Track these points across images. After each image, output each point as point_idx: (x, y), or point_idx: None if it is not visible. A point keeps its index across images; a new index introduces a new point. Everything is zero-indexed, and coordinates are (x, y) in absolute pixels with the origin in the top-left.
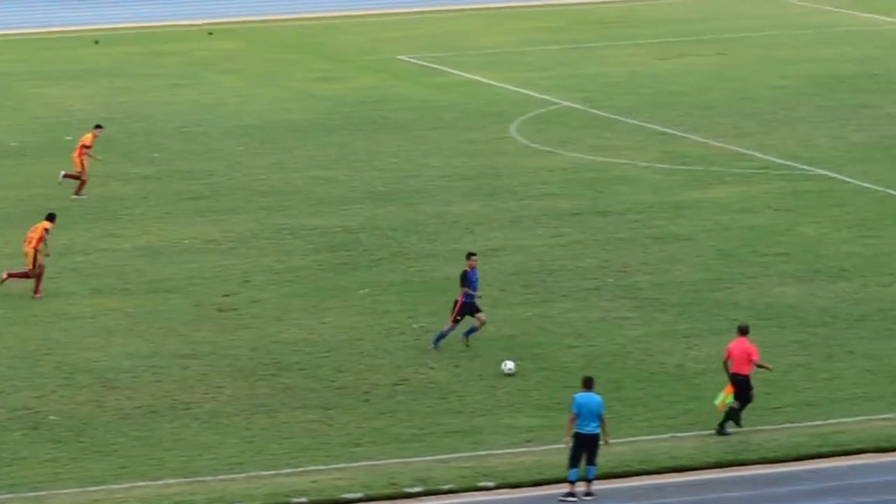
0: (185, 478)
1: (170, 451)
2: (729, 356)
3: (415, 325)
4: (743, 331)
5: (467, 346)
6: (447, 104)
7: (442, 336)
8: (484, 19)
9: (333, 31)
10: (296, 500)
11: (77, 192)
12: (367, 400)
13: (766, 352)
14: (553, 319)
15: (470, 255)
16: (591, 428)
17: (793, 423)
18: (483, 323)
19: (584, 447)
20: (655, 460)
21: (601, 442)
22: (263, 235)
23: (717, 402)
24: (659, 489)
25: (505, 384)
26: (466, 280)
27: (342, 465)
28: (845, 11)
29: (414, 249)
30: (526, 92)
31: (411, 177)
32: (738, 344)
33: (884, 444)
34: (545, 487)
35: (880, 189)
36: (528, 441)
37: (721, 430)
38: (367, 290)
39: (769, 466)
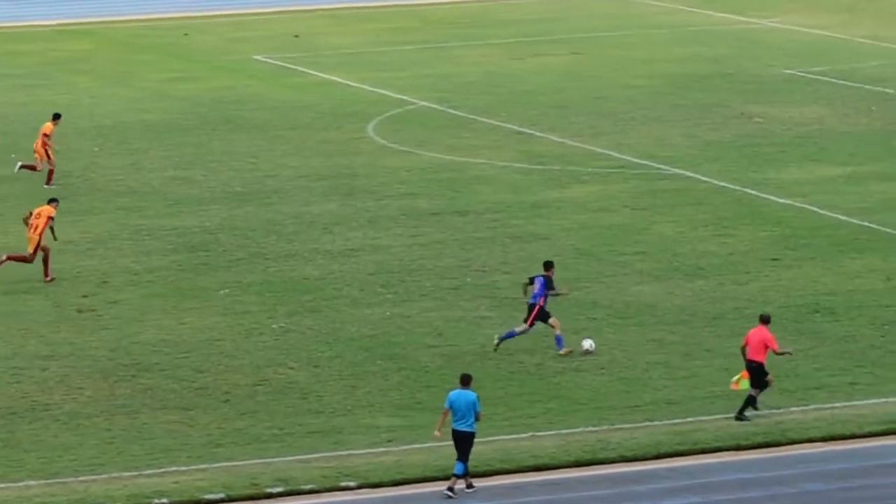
0: (46, 479)
1: (29, 453)
2: (746, 343)
3: (274, 326)
4: (764, 320)
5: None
6: (304, 104)
7: (510, 335)
8: (338, 19)
9: (187, 32)
10: (157, 500)
11: (48, 182)
12: (227, 400)
13: (625, 350)
14: (412, 319)
15: (549, 264)
16: (462, 425)
17: (652, 421)
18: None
19: (458, 444)
20: (516, 459)
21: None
22: (121, 236)
23: (733, 380)
24: (519, 488)
25: (365, 384)
26: (550, 285)
27: (203, 466)
28: (699, 11)
29: (273, 249)
30: (382, 92)
31: (269, 177)
32: (756, 332)
33: (742, 442)
34: (406, 487)
35: (736, 188)
36: (389, 441)
37: (740, 416)
38: (226, 290)
39: (629, 465)
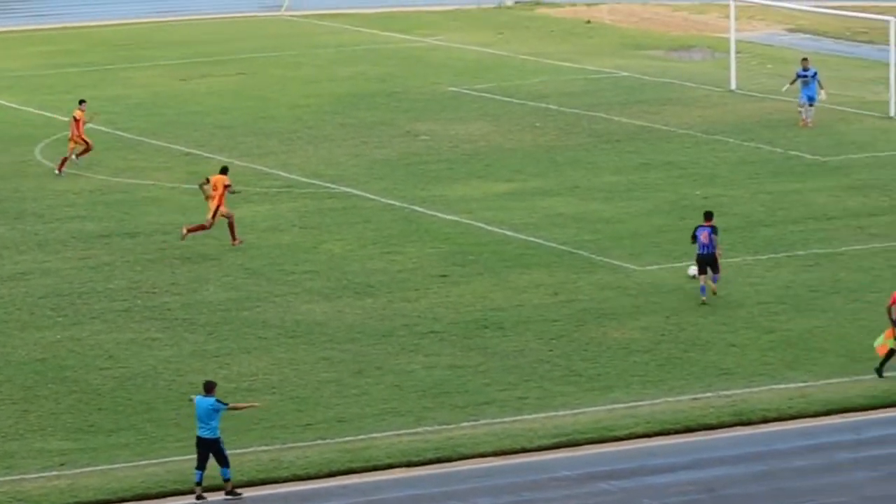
0: None
1: None
2: (893, 303)
3: None
4: None
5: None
6: None
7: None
8: (3, 42)
9: None
10: None
11: (79, 155)
12: None
13: (297, 369)
14: (83, 342)
15: (710, 214)
16: (203, 432)
17: (324, 439)
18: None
19: (202, 449)
20: (190, 481)
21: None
22: None
23: (877, 343)
24: None
25: (36, 408)
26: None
27: None
28: (364, 30)
29: None
30: (49, 115)
31: None
32: None
33: (413, 459)
34: None
35: (404, 205)
36: (62, 464)
37: (880, 373)
38: None
39: (302, 483)
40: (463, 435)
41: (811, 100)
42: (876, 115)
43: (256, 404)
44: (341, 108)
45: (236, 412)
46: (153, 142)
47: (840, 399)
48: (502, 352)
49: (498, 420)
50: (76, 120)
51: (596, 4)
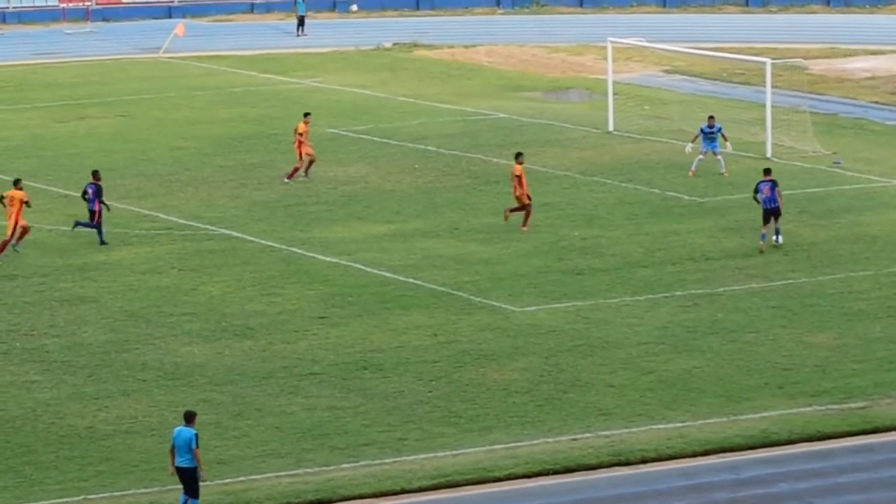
0: None
1: None
2: None
3: None
4: None
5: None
6: None
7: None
8: None
9: None
10: None
11: (289, 176)
12: None
13: (176, 411)
14: None
15: (768, 171)
16: (182, 461)
17: (204, 481)
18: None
19: (181, 480)
20: None
21: (200, 474)
22: None
23: None
24: None
25: None
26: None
27: None
28: (242, 72)
29: None
30: None
31: None
32: None
33: (293, 500)
34: None
35: (283, 247)
36: None
37: None
38: None
39: None
40: (343, 476)
41: (715, 150)
42: (753, 155)
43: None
44: (220, 150)
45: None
46: (32, 184)
47: (718, 439)
48: (382, 393)
49: (378, 461)
50: (300, 134)
51: (474, 46)
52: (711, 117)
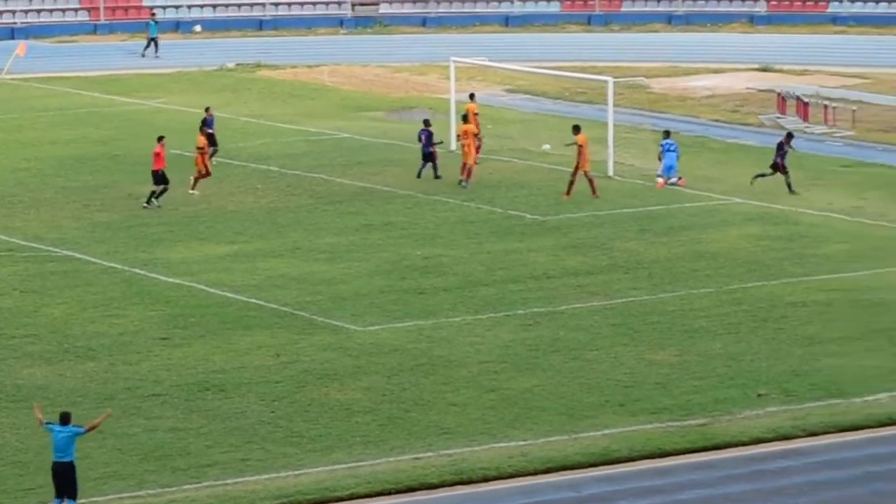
0: None
1: None
2: None
3: None
4: None
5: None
6: None
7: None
8: None
9: None
10: None
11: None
12: None
13: (18, 433)
14: None
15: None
16: (61, 457)
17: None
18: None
19: (59, 480)
20: None
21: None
22: None
23: None
24: None
25: None
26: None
27: None
28: (85, 93)
29: None
30: None
31: None
32: None
33: None
34: None
35: (125, 268)
36: None
37: None
38: None
39: None
40: (185, 497)
41: (668, 170)
42: (595, 174)
43: (109, 412)
44: (63, 172)
45: (95, 430)
46: None
47: (560, 457)
48: (224, 414)
49: (220, 482)
50: (200, 148)
51: (317, 66)
52: (667, 132)
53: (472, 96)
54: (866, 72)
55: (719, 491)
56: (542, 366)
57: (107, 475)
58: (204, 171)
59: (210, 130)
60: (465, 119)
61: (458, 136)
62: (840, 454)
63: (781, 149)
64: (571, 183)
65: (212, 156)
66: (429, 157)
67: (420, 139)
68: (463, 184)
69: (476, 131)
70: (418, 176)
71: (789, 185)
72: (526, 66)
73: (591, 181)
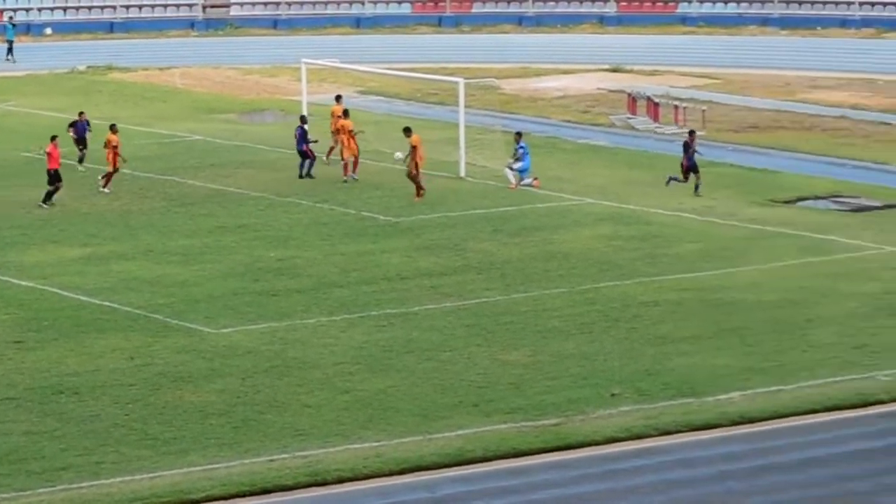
0: None
1: None
2: None
3: None
4: None
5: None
6: None
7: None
8: None
9: None
10: None
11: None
12: None
13: None
14: None
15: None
16: None
17: None
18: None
19: None
20: None
21: None
22: None
23: None
24: None
25: None
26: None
27: None
28: None
29: None
30: None
31: None
32: None
33: None
34: None
35: None
36: None
37: None
38: None
39: None
40: (40, 501)
41: (523, 171)
42: (447, 175)
43: None
44: None
45: None
46: None
47: (414, 457)
48: (78, 417)
49: (75, 485)
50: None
51: (168, 69)
52: (518, 134)
53: (338, 98)
54: (716, 72)
55: (573, 490)
56: (396, 367)
57: None
58: (113, 169)
59: (74, 136)
60: (346, 114)
61: (334, 131)
62: (693, 453)
63: (687, 149)
64: (417, 183)
65: (81, 160)
66: (302, 154)
67: (295, 136)
68: (346, 179)
69: (351, 127)
70: (300, 176)
71: (697, 187)
72: (377, 68)
73: (417, 183)
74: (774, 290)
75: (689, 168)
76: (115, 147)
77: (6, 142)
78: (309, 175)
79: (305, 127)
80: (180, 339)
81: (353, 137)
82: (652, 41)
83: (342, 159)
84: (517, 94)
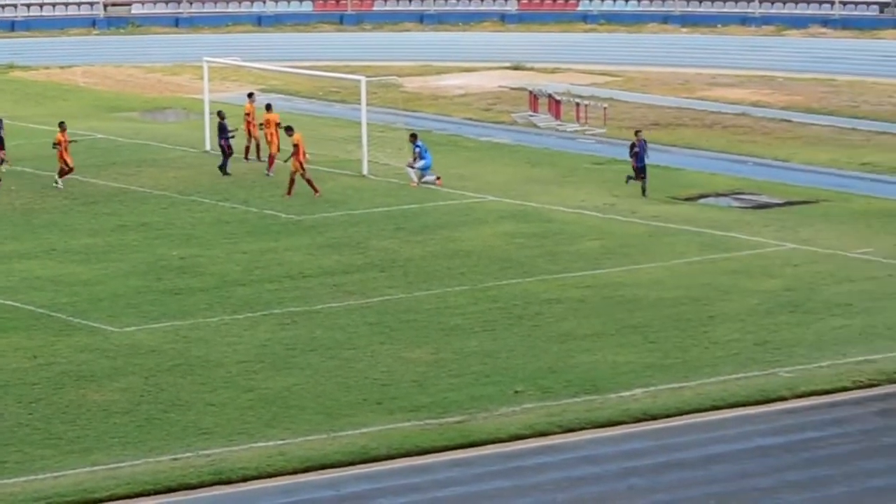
0: None
1: None
2: None
3: None
4: None
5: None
6: None
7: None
8: None
9: None
10: None
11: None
12: None
13: None
14: None
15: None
16: None
17: None
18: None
19: None
20: None
21: None
22: None
23: None
24: None
25: None
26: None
27: None
28: None
29: None
30: None
31: None
32: None
33: None
34: None
35: None
36: None
37: None
38: None
39: None
40: None
41: (425, 169)
42: (349, 173)
43: None
44: None
45: None
46: None
47: (319, 456)
48: None
49: None
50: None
51: (70, 67)
52: (414, 135)
53: (250, 95)
54: (616, 70)
55: (477, 488)
56: (299, 365)
57: None
58: (66, 168)
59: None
60: (268, 108)
61: (261, 124)
62: (596, 450)
63: (632, 150)
64: (309, 181)
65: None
66: (222, 149)
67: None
68: (270, 174)
69: (279, 121)
70: (224, 172)
71: (643, 190)
72: (279, 66)
73: (291, 181)
74: (676, 286)
75: (639, 169)
76: (62, 144)
77: None
78: (224, 171)
79: (224, 122)
80: (83, 337)
81: (277, 132)
82: (553, 39)
83: (270, 155)
84: (419, 91)
